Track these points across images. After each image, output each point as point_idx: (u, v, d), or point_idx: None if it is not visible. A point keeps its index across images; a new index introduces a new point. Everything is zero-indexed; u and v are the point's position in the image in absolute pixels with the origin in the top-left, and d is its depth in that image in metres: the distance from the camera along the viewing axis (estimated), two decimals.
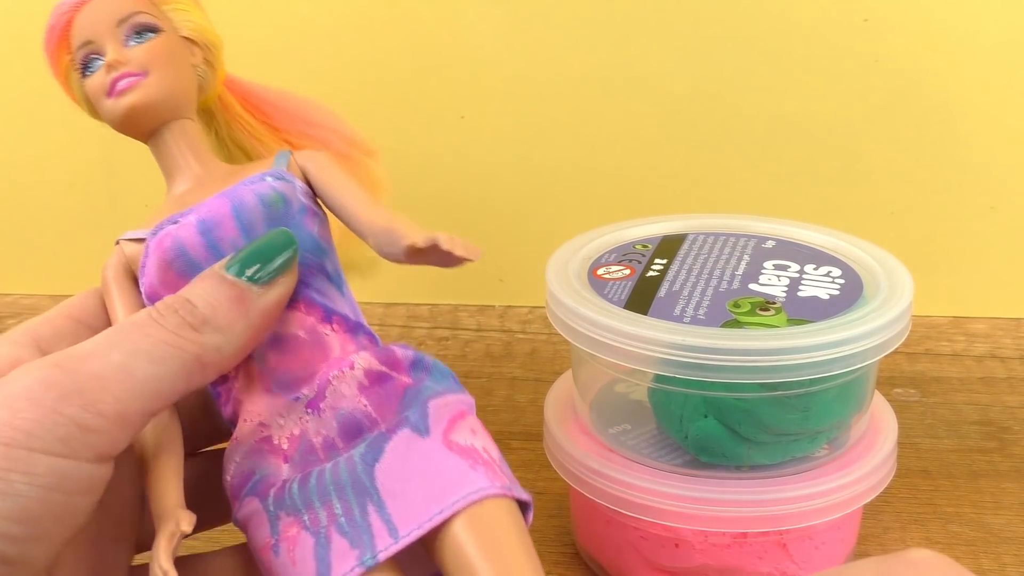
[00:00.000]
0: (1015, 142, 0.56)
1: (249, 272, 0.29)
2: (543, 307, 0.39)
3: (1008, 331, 0.58)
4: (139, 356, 0.27)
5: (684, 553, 0.36)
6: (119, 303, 0.32)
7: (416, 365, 0.31)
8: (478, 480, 0.28)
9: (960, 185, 0.57)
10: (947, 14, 0.54)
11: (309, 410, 0.30)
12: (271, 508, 0.29)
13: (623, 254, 0.40)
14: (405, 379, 0.30)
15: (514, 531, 0.28)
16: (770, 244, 0.41)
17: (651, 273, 0.38)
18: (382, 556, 0.27)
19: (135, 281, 0.32)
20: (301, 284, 0.31)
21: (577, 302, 0.36)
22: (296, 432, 0.30)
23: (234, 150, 0.36)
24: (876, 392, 0.39)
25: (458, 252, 0.28)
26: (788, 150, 0.58)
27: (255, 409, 0.30)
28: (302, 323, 0.31)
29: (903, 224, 0.58)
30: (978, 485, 0.45)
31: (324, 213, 0.32)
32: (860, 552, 0.40)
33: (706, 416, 0.35)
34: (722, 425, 0.35)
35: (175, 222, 0.31)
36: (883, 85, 0.56)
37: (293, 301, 0.31)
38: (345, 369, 0.30)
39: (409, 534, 0.27)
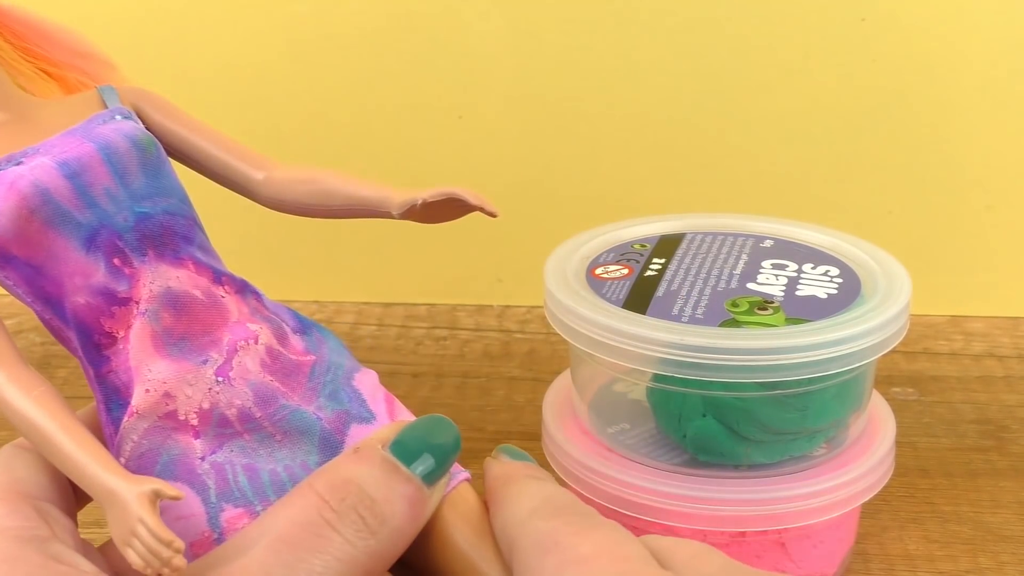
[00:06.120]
0: (1012, 142, 0.56)
1: (422, 468, 0.25)
2: (541, 307, 0.39)
3: (1006, 330, 0.58)
4: None
5: None
6: None
7: (308, 338, 0.30)
8: None
9: (957, 185, 0.58)
10: (945, 14, 0.54)
11: (219, 378, 0.28)
12: (212, 499, 0.27)
13: (621, 253, 0.40)
14: (307, 357, 0.29)
15: (484, 513, 0.27)
16: (768, 243, 0.41)
17: (649, 272, 0.38)
18: None
19: None
20: (184, 241, 0.29)
21: (575, 302, 0.36)
22: (206, 406, 0.27)
23: None
24: (874, 391, 0.39)
25: (472, 201, 0.29)
26: (786, 149, 0.58)
27: (158, 376, 0.27)
28: (195, 282, 0.28)
29: (901, 223, 0.58)
30: (976, 484, 0.45)
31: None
32: (859, 551, 0.40)
33: (704, 415, 0.36)
34: (720, 424, 0.35)
35: (18, 162, 0.27)
36: (880, 84, 0.56)
37: (179, 258, 0.28)
38: (250, 342, 0.28)
39: None
